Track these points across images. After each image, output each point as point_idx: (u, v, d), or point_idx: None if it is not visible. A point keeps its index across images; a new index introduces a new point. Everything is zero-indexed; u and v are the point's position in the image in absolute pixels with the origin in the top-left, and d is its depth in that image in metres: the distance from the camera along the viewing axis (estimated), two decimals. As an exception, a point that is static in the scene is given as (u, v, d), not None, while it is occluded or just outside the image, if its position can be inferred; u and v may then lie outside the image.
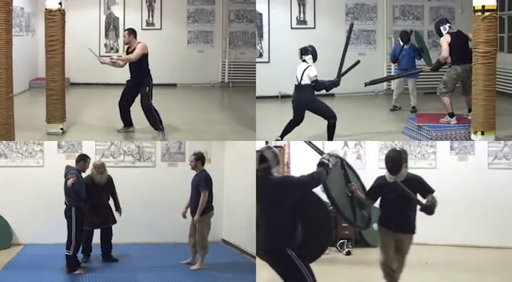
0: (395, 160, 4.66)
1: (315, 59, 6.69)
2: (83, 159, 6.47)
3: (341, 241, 7.59)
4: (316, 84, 6.60)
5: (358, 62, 6.83)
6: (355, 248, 7.59)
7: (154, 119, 7.24)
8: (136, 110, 7.53)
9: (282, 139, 7.10)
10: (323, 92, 6.88)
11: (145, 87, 7.19)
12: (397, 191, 4.62)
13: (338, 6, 11.49)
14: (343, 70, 6.86)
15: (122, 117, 7.57)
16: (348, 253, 7.46)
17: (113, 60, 7.28)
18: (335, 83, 6.76)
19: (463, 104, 7.55)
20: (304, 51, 6.69)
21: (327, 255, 7.38)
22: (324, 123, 6.84)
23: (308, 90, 6.62)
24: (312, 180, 3.96)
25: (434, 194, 4.66)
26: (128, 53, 7.32)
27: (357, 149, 8.56)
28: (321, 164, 4.08)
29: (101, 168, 6.86)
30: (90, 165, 6.74)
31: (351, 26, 6.92)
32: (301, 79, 6.62)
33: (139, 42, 7.22)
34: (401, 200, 4.63)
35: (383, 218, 4.81)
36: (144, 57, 7.18)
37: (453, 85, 7.30)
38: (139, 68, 7.18)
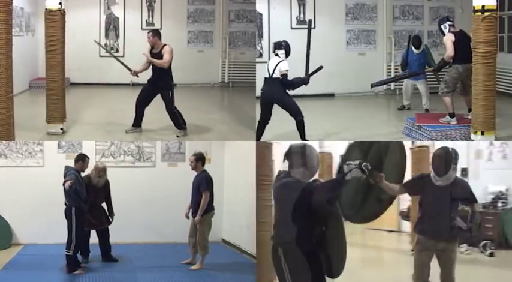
0: (445, 160, 4.33)
1: (287, 54, 6.63)
2: (82, 159, 6.47)
3: (484, 242, 7.43)
4: (284, 79, 6.52)
5: (321, 68, 6.76)
6: (498, 249, 7.39)
7: (178, 120, 7.31)
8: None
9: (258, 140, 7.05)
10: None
11: (168, 92, 7.18)
12: (442, 197, 4.34)
13: (338, 6, 11.48)
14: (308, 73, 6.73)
15: (136, 116, 7.45)
16: (491, 255, 7.26)
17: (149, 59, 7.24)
18: (304, 81, 6.65)
19: (463, 104, 7.54)
20: (277, 46, 6.66)
21: (469, 255, 7.32)
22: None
23: (279, 84, 6.55)
24: (324, 188, 3.77)
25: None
26: (151, 53, 7.24)
27: (502, 148, 8.49)
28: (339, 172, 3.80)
29: (101, 171, 6.84)
30: (91, 165, 6.74)
31: (309, 22, 6.87)
32: (272, 73, 6.55)
33: (165, 45, 7.18)
34: (446, 206, 4.32)
35: (421, 224, 4.48)
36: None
37: (454, 84, 7.29)
38: (163, 70, 7.14)
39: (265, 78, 6.64)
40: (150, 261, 7.17)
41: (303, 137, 6.69)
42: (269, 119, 6.74)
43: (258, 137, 6.89)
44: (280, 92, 6.58)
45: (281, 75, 6.49)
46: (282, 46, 6.63)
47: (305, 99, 10.40)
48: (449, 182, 4.37)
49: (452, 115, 7.30)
